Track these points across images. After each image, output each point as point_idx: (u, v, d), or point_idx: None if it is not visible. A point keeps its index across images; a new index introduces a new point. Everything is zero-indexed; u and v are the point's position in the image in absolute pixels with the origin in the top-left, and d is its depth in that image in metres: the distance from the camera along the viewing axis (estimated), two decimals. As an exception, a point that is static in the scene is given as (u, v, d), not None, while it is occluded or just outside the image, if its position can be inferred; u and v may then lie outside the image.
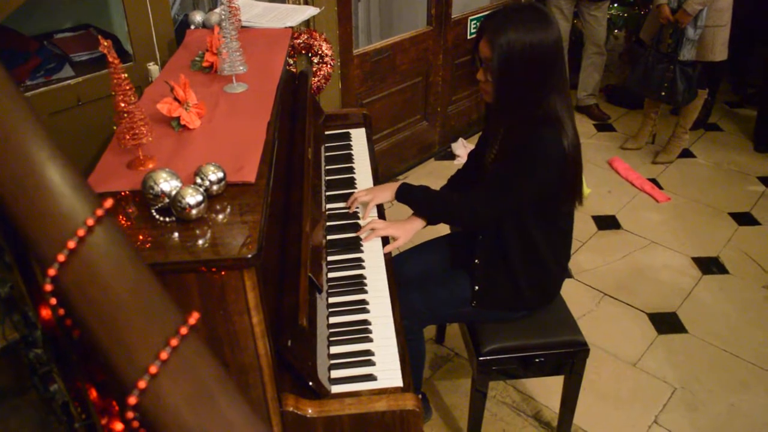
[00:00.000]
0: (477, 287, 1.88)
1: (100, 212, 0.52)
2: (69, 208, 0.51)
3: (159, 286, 0.54)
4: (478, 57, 1.73)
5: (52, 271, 0.50)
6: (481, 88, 1.77)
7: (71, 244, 0.50)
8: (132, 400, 0.50)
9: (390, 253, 1.87)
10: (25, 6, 1.83)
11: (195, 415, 0.51)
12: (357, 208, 1.99)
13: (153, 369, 0.50)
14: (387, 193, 1.97)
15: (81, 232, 0.51)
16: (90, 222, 0.51)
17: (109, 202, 0.53)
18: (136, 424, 0.52)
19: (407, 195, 1.94)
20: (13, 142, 0.51)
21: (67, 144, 2.08)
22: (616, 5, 4.55)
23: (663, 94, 3.70)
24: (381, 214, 2.01)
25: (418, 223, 1.94)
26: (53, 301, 0.52)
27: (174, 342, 0.51)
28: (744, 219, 3.51)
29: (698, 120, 4.11)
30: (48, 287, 0.51)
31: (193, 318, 0.53)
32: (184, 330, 0.52)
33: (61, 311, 0.53)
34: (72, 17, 2.64)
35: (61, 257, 0.50)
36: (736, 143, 4.30)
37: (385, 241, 1.90)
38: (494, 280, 1.87)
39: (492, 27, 1.65)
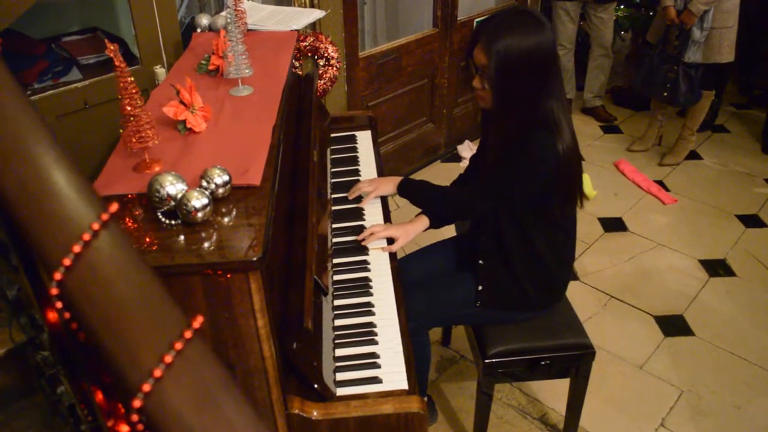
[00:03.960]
0: (481, 287, 1.88)
1: (105, 216, 0.52)
2: (74, 212, 0.52)
3: (163, 289, 0.54)
4: (473, 64, 1.71)
5: (57, 275, 0.51)
6: (477, 96, 1.76)
7: (76, 248, 0.51)
8: (136, 403, 0.50)
9: (396, 255, 1.87)
10: (32, 9, 1.84)
11: (199, 418, 0.51)
12: (361, 204, 2.00)
13: (157, 372, 0.50)
14: (389, 186, 2.02)
15: (86, 236, 0.51)
16: (95, 226, 0.51)
17: (114, 207, 0.53)
18: (140, 426, 0.52)
19: (407, 188, 1.98)
20: (19, 146, 0.51)
21: (74, 147, 2.09)
22: (622, 7, 4.54)
23: (665, 94, 3.69)
24: (387, 218, 2.01)
25: (420, 225, 1.93)
26: (59, 304, 0.52)
27: (178, 346, 0.52)
28: (751, 221, 3.49)
29: (705, 122, 4.09)
30: (53, 291, 0.51)
31: (198, 322, 0.54)
32: (188, 334, 0.52)
33: (67, 314, 0.53)
34: (79, 20, 2.65)
35: (67, 261, 0.51)
36: (743, 145, 4.28)
37: (389, 241, 1.90)
38: (498, 280, 1.87)
39: (487, 33, 1.63)
